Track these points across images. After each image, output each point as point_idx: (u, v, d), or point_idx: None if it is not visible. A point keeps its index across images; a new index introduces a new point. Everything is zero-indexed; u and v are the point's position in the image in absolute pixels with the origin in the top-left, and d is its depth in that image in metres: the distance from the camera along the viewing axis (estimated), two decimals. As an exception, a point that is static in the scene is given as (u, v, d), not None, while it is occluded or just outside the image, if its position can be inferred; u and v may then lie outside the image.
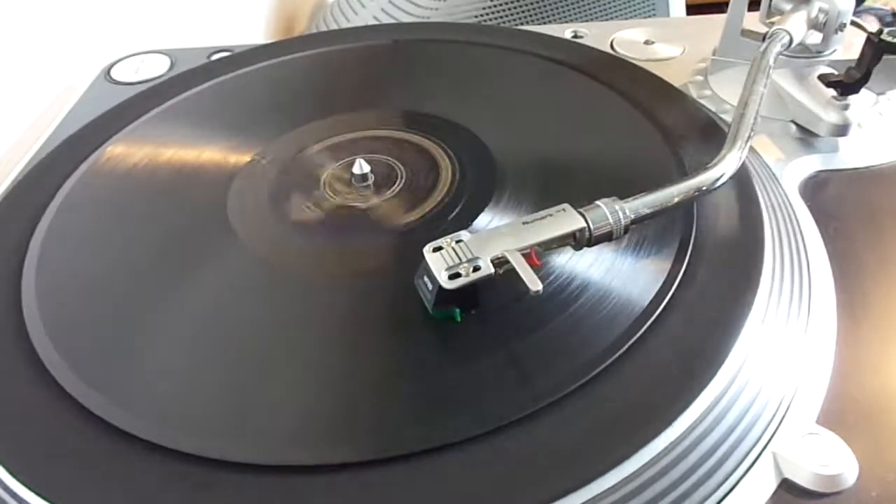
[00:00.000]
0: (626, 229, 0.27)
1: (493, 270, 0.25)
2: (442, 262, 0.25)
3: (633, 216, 0.27)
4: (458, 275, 0.25)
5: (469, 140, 0.36)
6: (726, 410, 0.24)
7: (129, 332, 0.28)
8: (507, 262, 0.25)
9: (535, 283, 0.24)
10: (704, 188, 0.29)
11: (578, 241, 0.27)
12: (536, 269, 0.25)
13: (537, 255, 0.26)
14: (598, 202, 0.27)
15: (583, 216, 0.26)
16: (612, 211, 0.27)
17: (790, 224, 0.32)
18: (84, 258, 0.32)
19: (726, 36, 0.43)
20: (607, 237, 0.27)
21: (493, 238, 0.26)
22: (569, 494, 0.22)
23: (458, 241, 0.26)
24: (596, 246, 0.27)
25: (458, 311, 0.26)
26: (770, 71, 0.35)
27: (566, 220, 0.26)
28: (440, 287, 0.25)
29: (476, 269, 0.25)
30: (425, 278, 0.26)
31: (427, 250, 0.26)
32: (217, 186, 0.35)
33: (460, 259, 0.25)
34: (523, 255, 0.25)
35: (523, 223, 0.26)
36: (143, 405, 0.25)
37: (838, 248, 0.32)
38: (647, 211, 0.27)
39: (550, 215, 0.27)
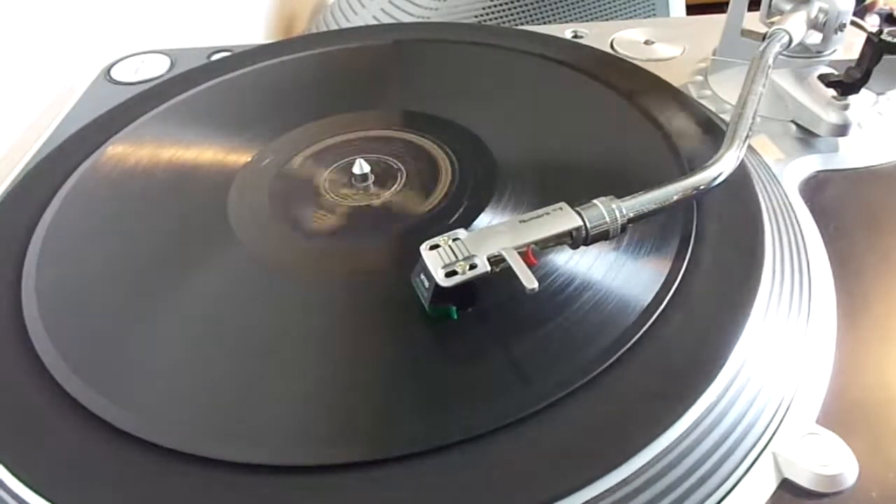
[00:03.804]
0: (624, 228, 0.27)
1: (489, 268, 0.25)
2: (439, 260, 0.25)
3: (630, 215, 0.27)
4: (454, 273, 0.25)
5: (469, 140, 0.36)
6: (726, 410, 0.24)
7: (129, 332, 0.28)
8: (504, 260, 0.25)
9: (531, 282, 0.24)
10: (702, 187, 0.28)
11: (575, 239, 0.27)
12: (533, 267, 0.25)
13: (534, 253, 0.26)
14: (595, 201, 0.27)
15: (579, 215, 0.26)
16: (608, 210, 0.27)
17: (790, 224, 0.32)
18: (84, 258, 0.32)
19: (726, 36, 0.43)
20: (604, 236, 0.27)
21: (490, 236, 0.26)
22: (569, 495, 0.21)
23: (454, 240, 0.26)
24: (593, 245, 0.27)
25: (454, 309, 0.26)
26: (769, 71, 0.35)
27: (563, 218, 0.26)
28: (437, 285, 0.25)
29: (472, 267, 0.25)
30: (422, 276, 0.26)
31: (424, 248, 0.26)
32: (217, 186, 0.35)
33: (457, 257, 0.25)
34: (520, 253, 0.25)
35: (520, 221, 0.26)
36: (142, 405, 0.25)
37: (838, 248, 0.32)
38: (644, 210, 0.27)
39: (547, 214, 0.27)
